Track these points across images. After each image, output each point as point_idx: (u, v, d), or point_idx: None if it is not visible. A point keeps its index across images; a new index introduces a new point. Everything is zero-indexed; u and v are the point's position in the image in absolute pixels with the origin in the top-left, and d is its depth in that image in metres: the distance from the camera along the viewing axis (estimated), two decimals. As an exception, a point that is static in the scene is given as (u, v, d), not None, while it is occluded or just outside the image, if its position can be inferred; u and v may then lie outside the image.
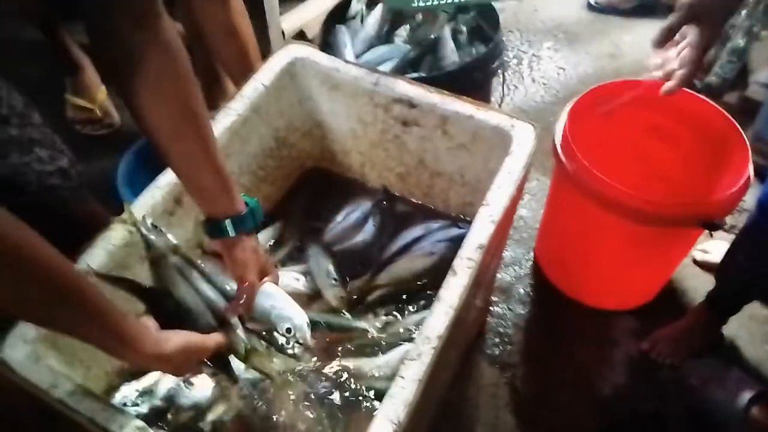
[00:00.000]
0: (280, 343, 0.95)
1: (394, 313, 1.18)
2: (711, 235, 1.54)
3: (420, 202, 1.36)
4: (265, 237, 1.27)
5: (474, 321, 1.40)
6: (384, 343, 1.14)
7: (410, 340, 1.12)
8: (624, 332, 1.49)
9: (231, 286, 0.94)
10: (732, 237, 1.36)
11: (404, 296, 1.21)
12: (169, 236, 0.90)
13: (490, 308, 1.53)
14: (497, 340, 1.49)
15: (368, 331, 1.15)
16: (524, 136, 1.05)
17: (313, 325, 0.97)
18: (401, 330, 1.16)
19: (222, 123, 1.08)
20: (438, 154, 1.21)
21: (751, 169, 1.22)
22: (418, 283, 1.22)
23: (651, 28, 2.18)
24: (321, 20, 2.17)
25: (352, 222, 1.31)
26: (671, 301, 1.55)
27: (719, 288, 1.38)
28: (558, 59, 2.16)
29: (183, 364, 0.83)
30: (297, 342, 0.94)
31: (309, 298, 1.18)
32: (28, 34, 1.94)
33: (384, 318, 1.17)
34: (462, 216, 1.32)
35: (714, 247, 1.58)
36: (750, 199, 1.36)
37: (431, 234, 1.31)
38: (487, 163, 1.15)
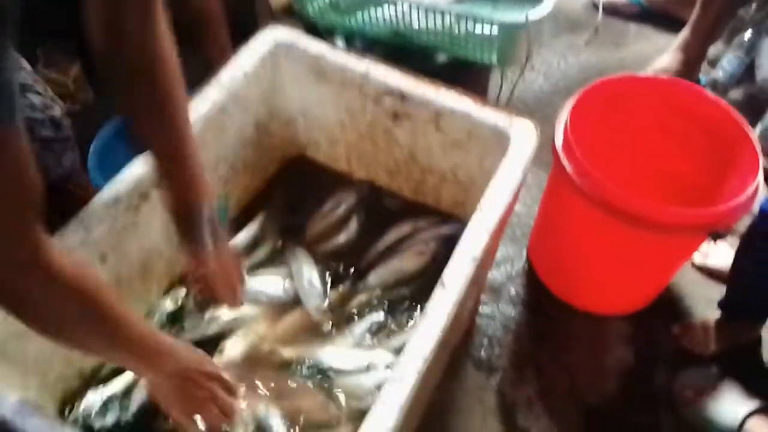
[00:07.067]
0: None
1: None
2: (714, 241, 1.48)
3: (409, 198, 1.28)
4: (245, 235, 1.19)
5: (462, 323, 1.33)
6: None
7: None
8: (617, 338, 1.43)
9: None
10: (734, 240, 1.30)
11: (388, 306, 1.14)
12: None
13: (479, 308, 1.47)
14: (485, 342, 1.43)
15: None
16: (523, 136, 0.97)
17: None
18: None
19: (197, 111, 0.99)
20: (430, 150, 1.13)
21: (760, 177, 1.15)
22: (405, 289, 1.15)
23: (657, 22, 2.13)
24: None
25: (335, 219, 1.24)
26: (667, 306, 1.48)
27: (729, 296, 1.32)
28: (559, 46, 2.06)
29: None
30: None
31: (290, 306, 1.12)
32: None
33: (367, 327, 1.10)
34: (454, 214, 1.25)
35: (715, 251, 1.52)
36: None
37: (420, 232, 1.24)
38: (482, 162, 1.07)
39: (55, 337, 0.73)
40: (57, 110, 1.11)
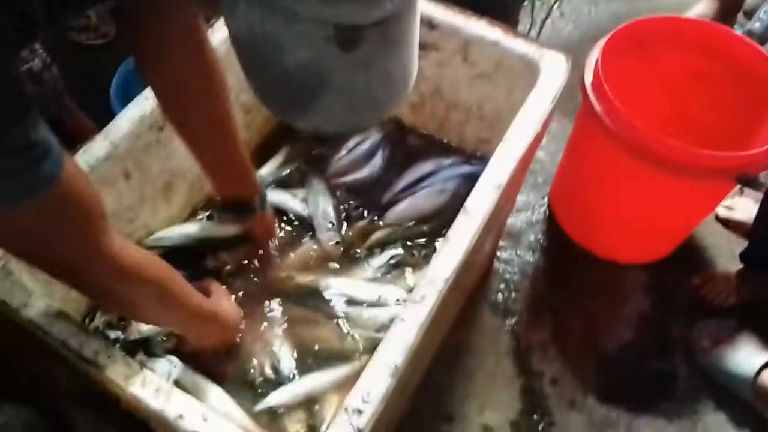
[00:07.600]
0: None
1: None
2: (741, 191, 1.46)
3: (433, 136, 1.27)
4: (271, 166, 1.19)
5: (480, 265, 1.33)
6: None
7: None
8: (636, 287, 1.43)
9: None
10: (758, 195, 1.28)
11: (406, 242, 1.14)
12: None
13: (497, 253, 1.46)
14: (502, 286, 1.43)
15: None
16: (554, 67, 0.95)
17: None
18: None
19: (221, 34, 0.97)
20: (456, 83, 1.11)
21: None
22: (425, 226, 1.15)
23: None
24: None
25: (359, 154, 1.22)
26: (688, 256, 1.47)
27: (751, 248, 1.30)
28: (590, -7, 2.01)
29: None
30: None
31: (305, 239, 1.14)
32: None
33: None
34: (477, 153, 1.24)
35: (739, 205, 1.49)
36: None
37: (442, 170, 1.22)
38: (509, 96, 1.05)
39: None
40: (36, 62, 1.09)
